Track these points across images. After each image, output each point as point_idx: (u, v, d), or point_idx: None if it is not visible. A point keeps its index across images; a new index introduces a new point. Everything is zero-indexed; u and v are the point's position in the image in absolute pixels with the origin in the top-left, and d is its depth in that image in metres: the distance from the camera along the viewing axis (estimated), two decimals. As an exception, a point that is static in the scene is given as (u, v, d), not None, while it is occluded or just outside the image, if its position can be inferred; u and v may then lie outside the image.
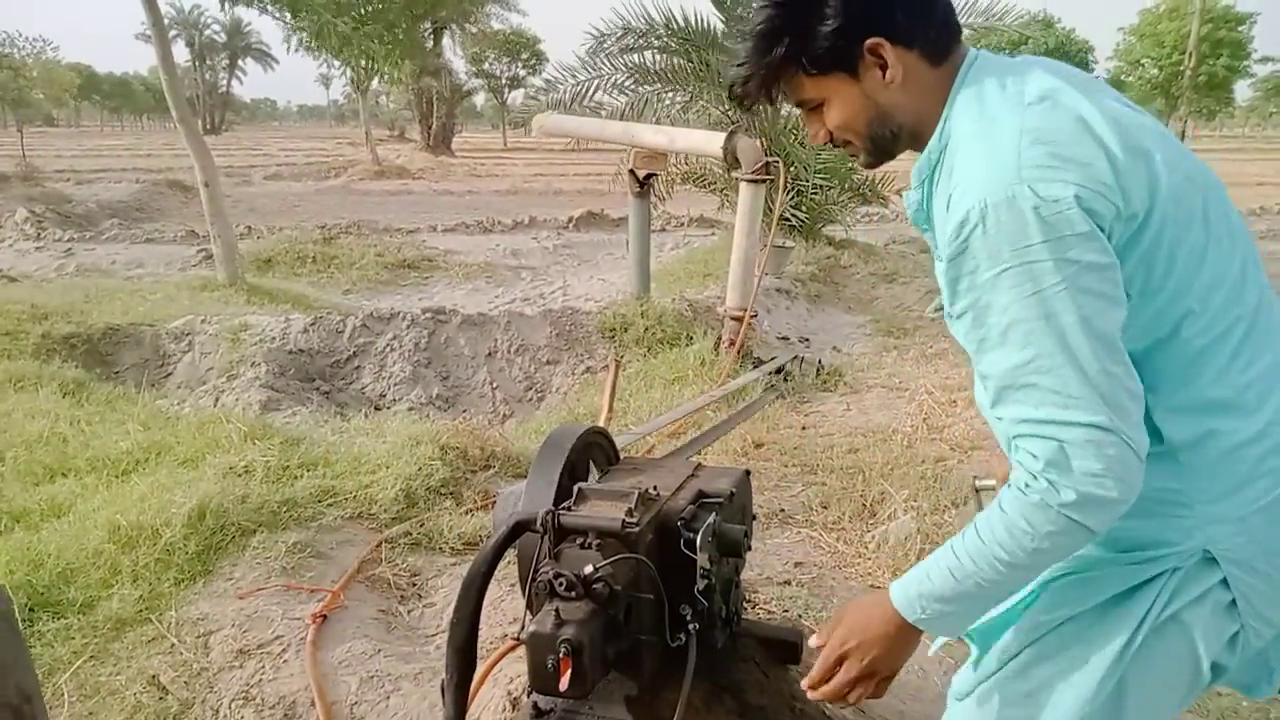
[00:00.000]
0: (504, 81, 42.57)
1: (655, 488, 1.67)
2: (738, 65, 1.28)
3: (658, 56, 10.34)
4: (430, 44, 34.04)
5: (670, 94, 10.29)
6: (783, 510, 3.72)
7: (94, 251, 11.75)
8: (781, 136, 10.08)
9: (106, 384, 5.37)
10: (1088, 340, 1.04)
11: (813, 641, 1.32)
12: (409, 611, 2.99)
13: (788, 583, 3.07)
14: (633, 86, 10.32)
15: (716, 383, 5.32)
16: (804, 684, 1.31)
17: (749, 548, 1.76)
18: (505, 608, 2.78)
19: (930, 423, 4.83)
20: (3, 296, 6.82)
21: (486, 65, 41.53)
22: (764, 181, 5.82)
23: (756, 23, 1.24)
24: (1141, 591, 1.17)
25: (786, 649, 1.94)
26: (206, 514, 3.14)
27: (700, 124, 9.86)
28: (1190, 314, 1.11)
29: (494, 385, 6.17)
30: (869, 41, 1.18)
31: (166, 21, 9.26)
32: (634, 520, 1.52)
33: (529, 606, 1.54)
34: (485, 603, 1.58)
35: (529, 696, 1.59)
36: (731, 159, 5.79)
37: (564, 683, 1.36)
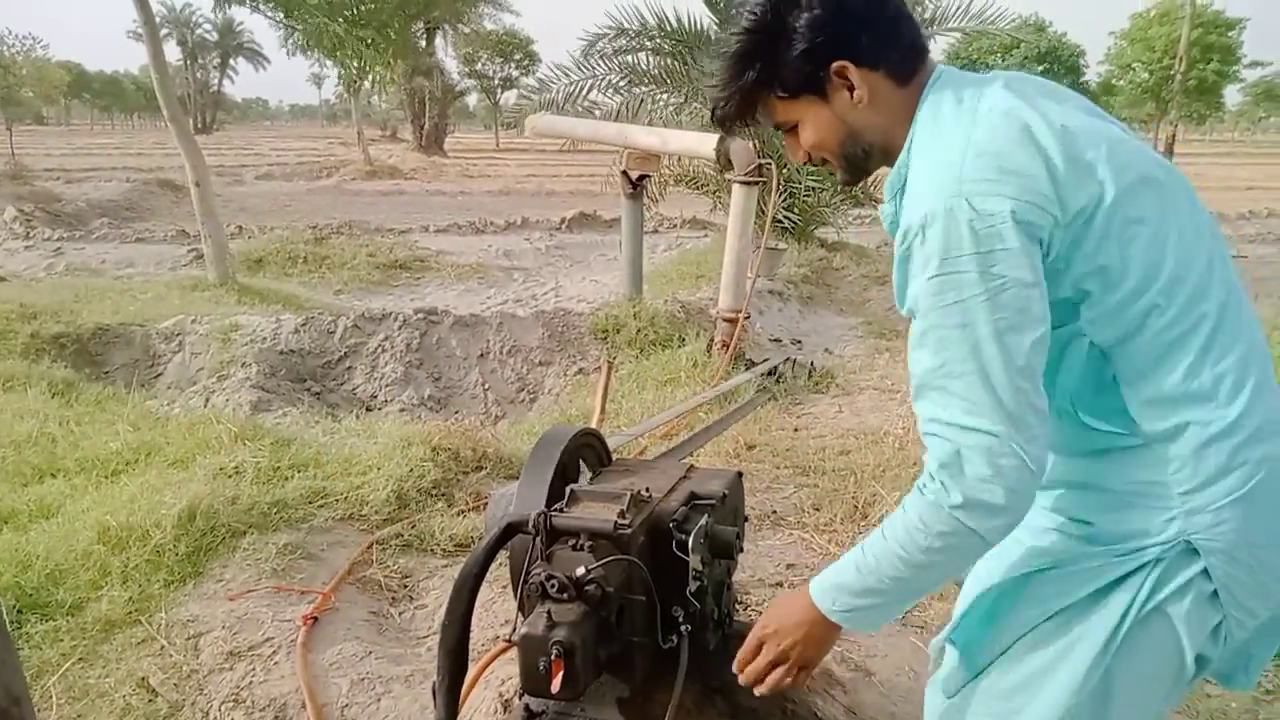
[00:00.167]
0: (496, 82, 42.51)
1: (647, 489, 1.68)
2: (712, 87, 1.34)
3: (651, 58, 10.36)
4: (423, 44, 34.01)
5: (663, 95, 10.31)
6: (775, 512, 3.72)
7: (84, 251, 11.71)
8: (774, 139, 10.09)
9: (96, 384, 5.34)
10: (1000, 352, 1.09)
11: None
12: (400, 613, 2.98)
13: (779, 584, 3.07)
14: (626, 87, 10.33)
15: (709, 384, 5.32)
16: (734, 665, 1.38)
17: (741, 549, 1.76)
18: (497, 609, 2.78)
19: (922, 425, 4.83)
20: (-9, 296, 6.78)
21: (479, 65, 41.49)
22: (757, 183, 5.82)
23: (728, 47, 1.29)
24: (1125, 584, 1.19)
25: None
26: (196, 515, 3.13)
27: (693, 126, 9.86)
28: (1156, 308, 1.15)
29: (486, 386, 6.16)
30: (835, 65, 1.24)
31: (158, 20, 9.22)
32: (626, 522, 1.52)
33: (521, 608, 1.54)
34: (477, 604, 1.58)
35: (521, 699, 1.58)
36: (724, 161, 5.80)
37: (556, 685, 1.36)
